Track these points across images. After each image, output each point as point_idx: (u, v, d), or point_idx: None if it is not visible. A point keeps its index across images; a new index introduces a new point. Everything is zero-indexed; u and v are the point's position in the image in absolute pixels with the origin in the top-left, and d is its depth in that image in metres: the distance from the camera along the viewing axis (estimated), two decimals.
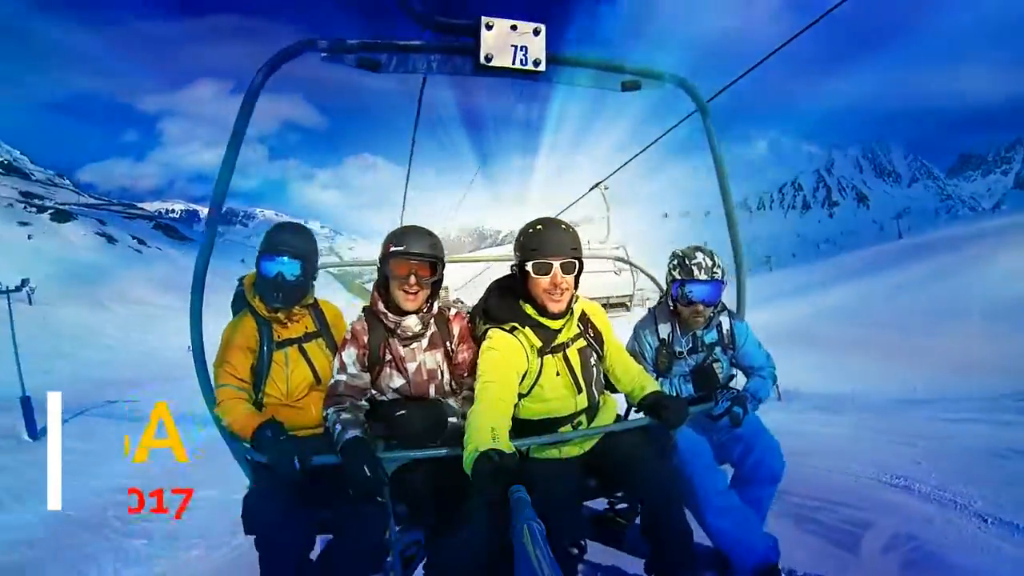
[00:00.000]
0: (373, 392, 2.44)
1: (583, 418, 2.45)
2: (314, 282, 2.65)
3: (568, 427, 2.41)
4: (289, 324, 2.55)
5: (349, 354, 2.39)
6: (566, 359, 2.40)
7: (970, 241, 25.04)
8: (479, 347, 2.40)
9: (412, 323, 2.36)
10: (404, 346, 2.42)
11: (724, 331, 3.06)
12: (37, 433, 12.43)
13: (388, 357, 2.41)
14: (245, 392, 2.43)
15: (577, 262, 2.29)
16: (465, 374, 2.49)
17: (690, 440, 2.82)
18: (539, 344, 2.34)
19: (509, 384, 2.24)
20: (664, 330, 3.03)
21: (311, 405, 2.48)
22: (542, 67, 2.19)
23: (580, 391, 2.41)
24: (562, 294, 2.28)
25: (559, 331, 2.37)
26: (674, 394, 2.96)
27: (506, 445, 1.96)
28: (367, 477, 2.02)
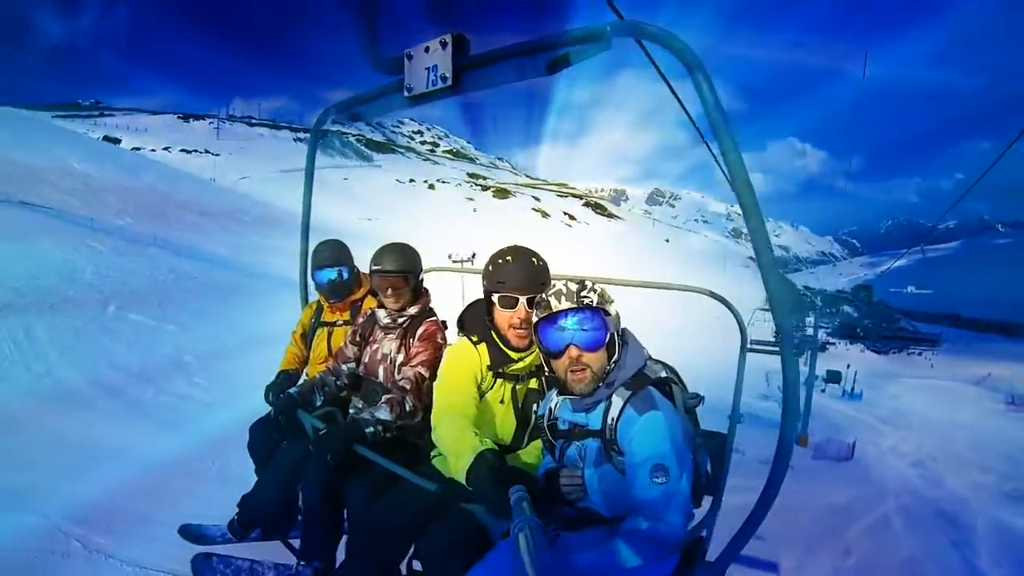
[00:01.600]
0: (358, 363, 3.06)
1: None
2: (354, 278, 3.52)
3: None
4: (333, 312, 3.51)
5: (351, 330, 3.12)
6: (514, 392, 2.39)
7: None
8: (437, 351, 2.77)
9: (382, 315, 2.91)
10: (382, 333, 2.96)
11: (608, 419, 1.94)
12: None
13: (370, 338, 3.02)
14: (298, 350, 3.58)
15: None
16: (410, 363, 2.78)
17: (507, 552, 1.87)
18: (489, 362, 2.35)
19: (467, 380, 2.32)
20: (553, 398, 2.17)
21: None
22: (449, 81, 2.03)
23: (515, 428, 2.40)
24: (526, 330, 2.25)
25: (514, 360, 2.34)
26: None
27: (493, 445, 2.04)
28: (273, 418, 2.88)
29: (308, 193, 3.33)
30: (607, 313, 1.95)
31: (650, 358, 2.12)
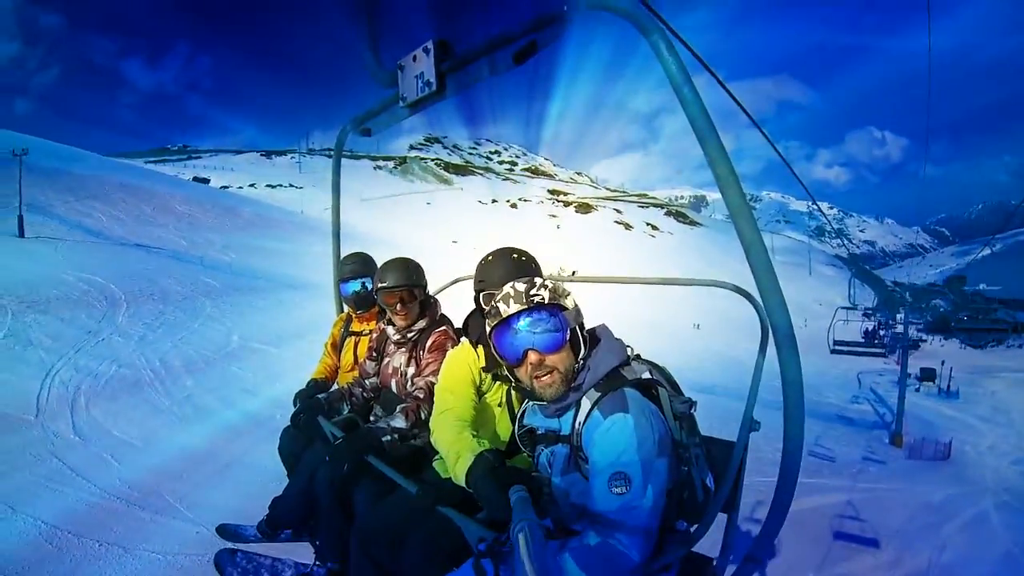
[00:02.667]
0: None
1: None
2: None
3: None
4: (361, 322, 3.63)
5: (368, 347, 3.24)
6: (509, 394, 2.33)
7: None
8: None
9: (390, 331, 3.00)
10: (393, 347, 3.04)
11: (576, 423, 1.77)
12: None
13: (384, 353, 3.11)
14: (330, 360, 3.70)
15: None
16: (422, 374, 2.83)
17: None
18: (484, 363, 2.30)
19: (464, 383, 2.31)
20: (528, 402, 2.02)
21: (353, 377, 3.36)
22: (435, 87, 2.09)
23: (511, 431, 2.26)
24: None
25: None
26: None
27: (491, 446, 2.01)
28: (292, 417, 2.92)
29: (336, 204, 3.50)
30: (563, 308, 1.77)
31: (637, 357, 1.93)
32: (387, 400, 3.03)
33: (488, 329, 1.82)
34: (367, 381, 3.17)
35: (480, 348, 2.31)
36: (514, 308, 1.73)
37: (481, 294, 2.28)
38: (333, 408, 3.00)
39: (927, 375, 32.08)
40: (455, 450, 1.97)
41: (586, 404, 1.74)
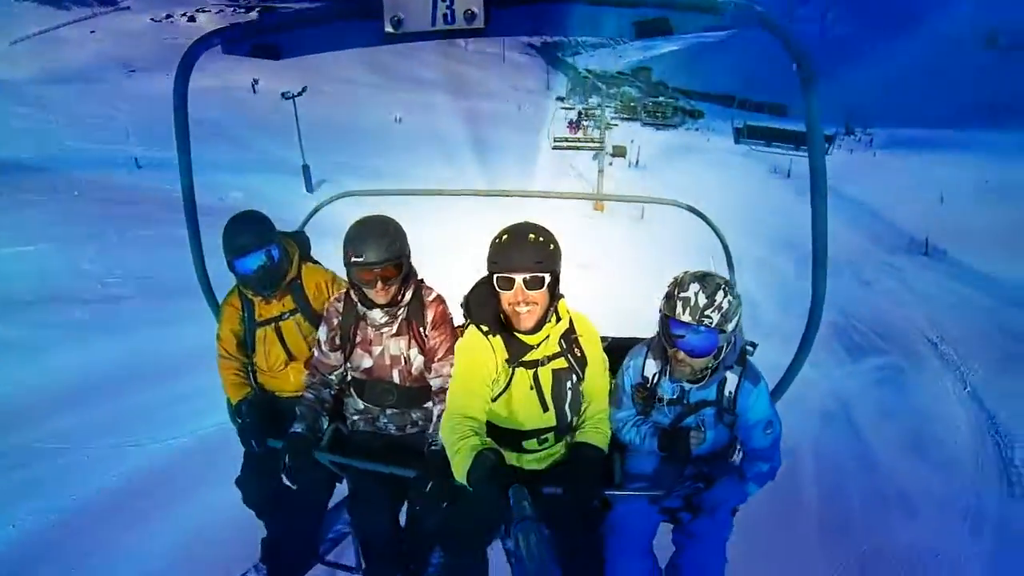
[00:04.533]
0: (347, 366, 2.42)
1: (551, 436, 2.20)
2: (284, 255, 2.54)
3: (534, 441, 2.19)
4: (270, 303, 2.55)
5: (323, 333, 2.37)
6: (537, 377, 2.12)
7: None
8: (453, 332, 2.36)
9: (377, 315, 2.26)
10: (374, 330, 2.32)
11: (726, 392, 2.18)
12: (312, 188, 20.74)
13: (359, 339, 2.35)
14: (235, 361, 2.61)
15: (549, 275, 1.95)
16: (436, 359, 2.33)
17: (623, 512, 2.26)
18: (507, 356, 2.08)
19: (481, 383, 2.08)
20: (651, 368, 2.22)
21: (290, 375, 2.61)
22: (479, 22, 1.33)
23: (546, 410, 2.15)
24: (529, 310, 1.98)
25: (534, 347, 2.08)
26: (645, 443, 2.26)
27: (493, 444, 1.92)
28: (287, 468, 2.22)
29: (187, 162, 2.30)
30: (722, 331, 1.98)
31: None
32: (380, 390, 2.41)
33: (663, 312, 2.06)
34: (332, 376, 2.44)
35: (497, 339, 2.07)
36: (687, 318, 1.96)
37: (496, 276, 1.94)
38: (314, 431, 2.35)
39: (618, 151, 34.58)
40: (456, 449, 1.91)
41: (732, 377, 2.16)
